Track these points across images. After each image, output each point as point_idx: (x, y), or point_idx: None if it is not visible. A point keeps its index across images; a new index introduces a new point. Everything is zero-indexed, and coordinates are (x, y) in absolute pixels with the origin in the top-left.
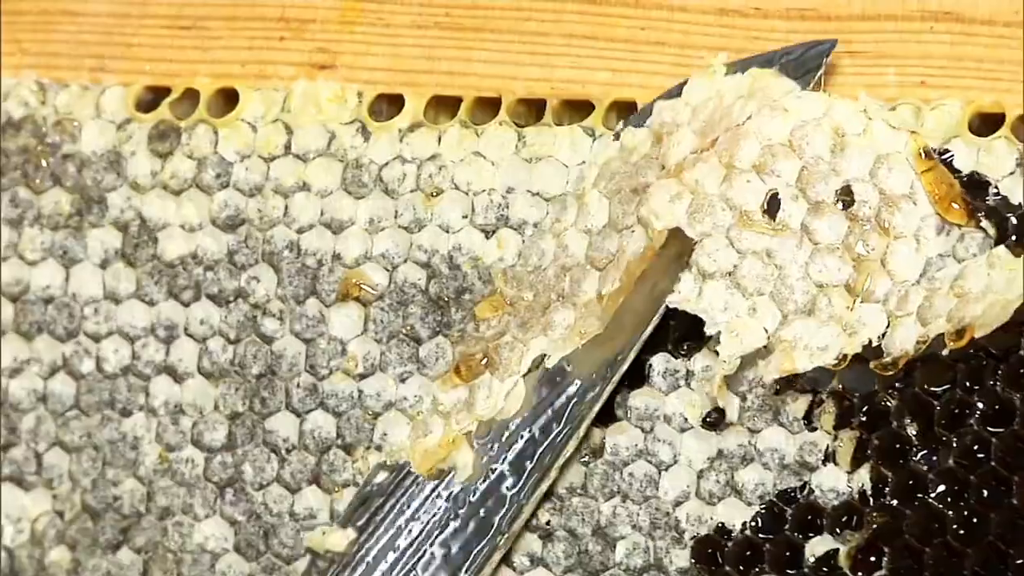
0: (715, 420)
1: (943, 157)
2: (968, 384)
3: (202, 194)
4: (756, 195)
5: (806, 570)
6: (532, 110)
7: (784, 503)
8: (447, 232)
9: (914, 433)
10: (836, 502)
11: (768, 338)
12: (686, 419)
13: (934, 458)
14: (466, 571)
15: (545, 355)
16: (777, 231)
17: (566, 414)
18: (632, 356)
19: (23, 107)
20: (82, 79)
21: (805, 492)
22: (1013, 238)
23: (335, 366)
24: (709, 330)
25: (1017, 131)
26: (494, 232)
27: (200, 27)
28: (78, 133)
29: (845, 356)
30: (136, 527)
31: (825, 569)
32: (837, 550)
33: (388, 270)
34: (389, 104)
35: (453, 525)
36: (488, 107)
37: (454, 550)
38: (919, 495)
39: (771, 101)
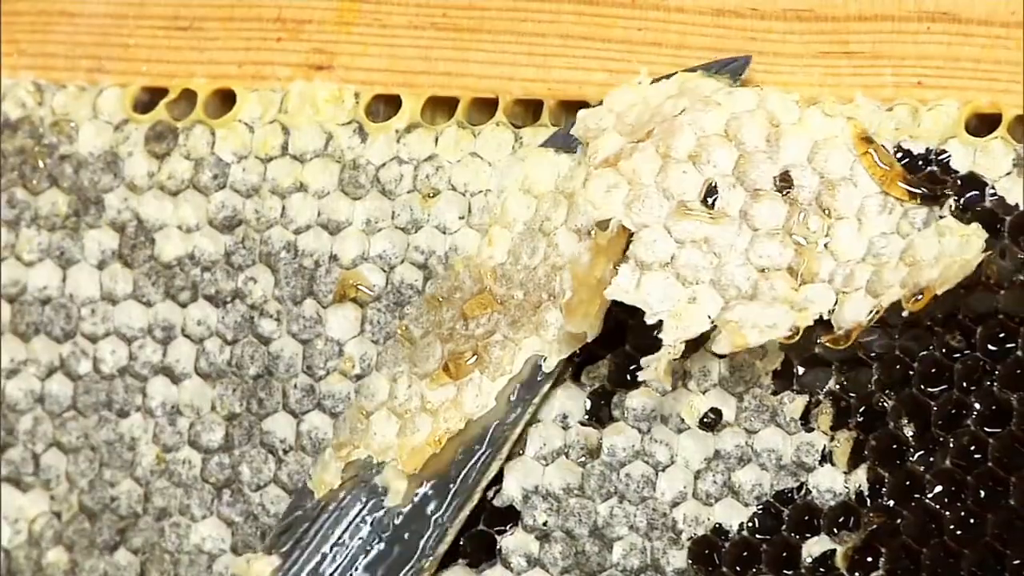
0: (712, 421)
1: (940, 157)
2: (965, 385)
3: (199, 195)
4: (693, 185)
5: (803, 571)
6: (529, 111)
7: (781, 504)
8: (444, 233)
9: (911, 434)
10: (833, 503)
11: (712, 323)
12: (683, 420)
13: (931, 459)
14: None
15: (541, 356)
16: (715, 219)
17: (488, 436)
18: (555, 375)
19: (20, 108)
20: (79, 80)
21: (802, 493)
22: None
23: (332, 367)
24: (649, 319)
25: (1014, 132)
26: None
27: (197, 28)
28: (75, 134)
29: (798, 329)
30: (133, 528)
31: (822, 570)
32: (834, 551)
33: (385, 271)
34: (386, 105)
35: (378, 549)
36: (485, 108)
37: (379, 574)
38: (916, 496)
39: (703, 97)
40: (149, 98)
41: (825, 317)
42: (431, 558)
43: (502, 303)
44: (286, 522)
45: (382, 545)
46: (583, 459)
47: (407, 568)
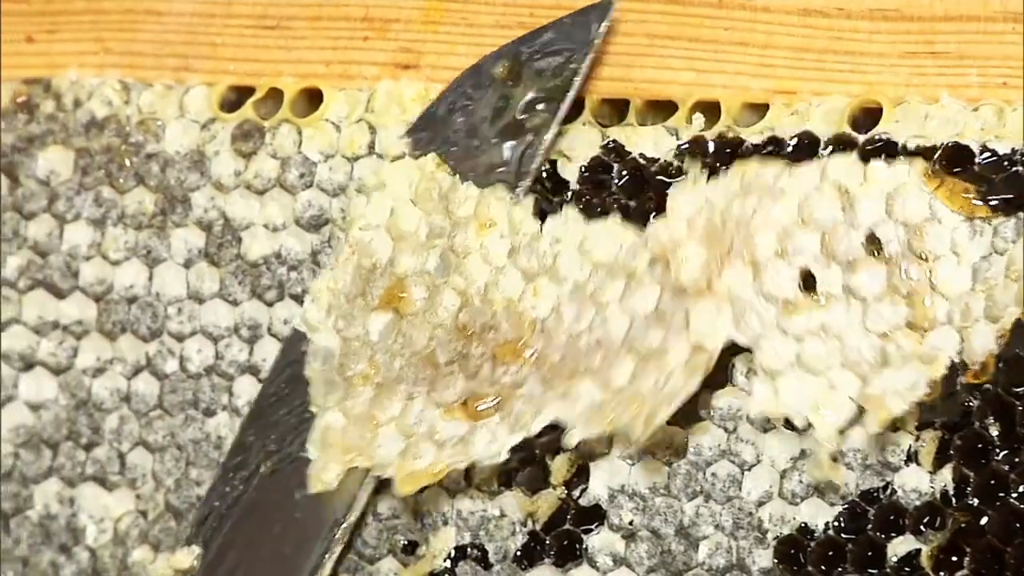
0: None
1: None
2: None
3: (286, 194)
4: (790, 280)
5: (888, 570)
6: (616, 110)
7: (867, 503)
8: (488, 265)
9: (996, 433)
10: (918, 502)
11: (857, 404)
12: (769, 419)
13: (1016, 458)
14: None
15: (566, 427)
16: (824, 304)
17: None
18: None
19: (107, 107)
20: (166, 79)
21: (888, 492)
22: None
23: (359, 371)
24: (798, 423)
25: None
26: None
27: (284, 27)
28: (162, 133)
29: (935, 382)
30: None
31: (907, 569)
32: (919, 550)
33: (429, 288)
34: None
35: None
36: (572, 107)
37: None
38: (1001, 495)
39: (767, 189)
40: (236, 97)
41: (957, 360)
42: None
43: (536, 359)
44: (205, 509)
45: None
46: (669, 458)
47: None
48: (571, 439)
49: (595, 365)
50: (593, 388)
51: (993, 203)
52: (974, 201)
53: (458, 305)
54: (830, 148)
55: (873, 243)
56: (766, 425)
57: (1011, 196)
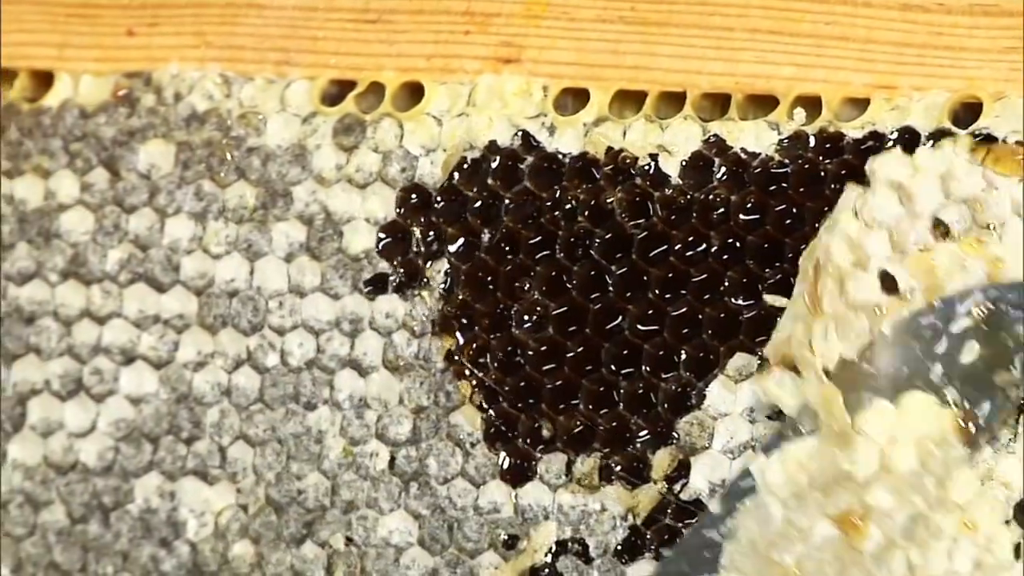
0: None
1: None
2: None
3: (387, 188)
4: (871, 286)
5: None
6: (717, 105)
7: None
8: None
9: None
10: None
11: None
12: None
13: None
14: None
15: None
16: (909, 301)
17: None
18: None
19: (208, 100)
20: (267, 72)
21: None
22: None
23: None
24: None
25: None
26: None
27: (386, 21)
28: (263, 126)
29: None
30: (320, 521)
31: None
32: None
33: (887, 540)
34: (574, 98)
35: None
36: (673, 101)
37: None
38: None
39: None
40: (337, 91)
41: None
42: None
43: None
44: None
45: None
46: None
47: None
48: None
49: None
50: None
51: None
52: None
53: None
54: (930, 142)
55: (940, 227)
56: None
57: None
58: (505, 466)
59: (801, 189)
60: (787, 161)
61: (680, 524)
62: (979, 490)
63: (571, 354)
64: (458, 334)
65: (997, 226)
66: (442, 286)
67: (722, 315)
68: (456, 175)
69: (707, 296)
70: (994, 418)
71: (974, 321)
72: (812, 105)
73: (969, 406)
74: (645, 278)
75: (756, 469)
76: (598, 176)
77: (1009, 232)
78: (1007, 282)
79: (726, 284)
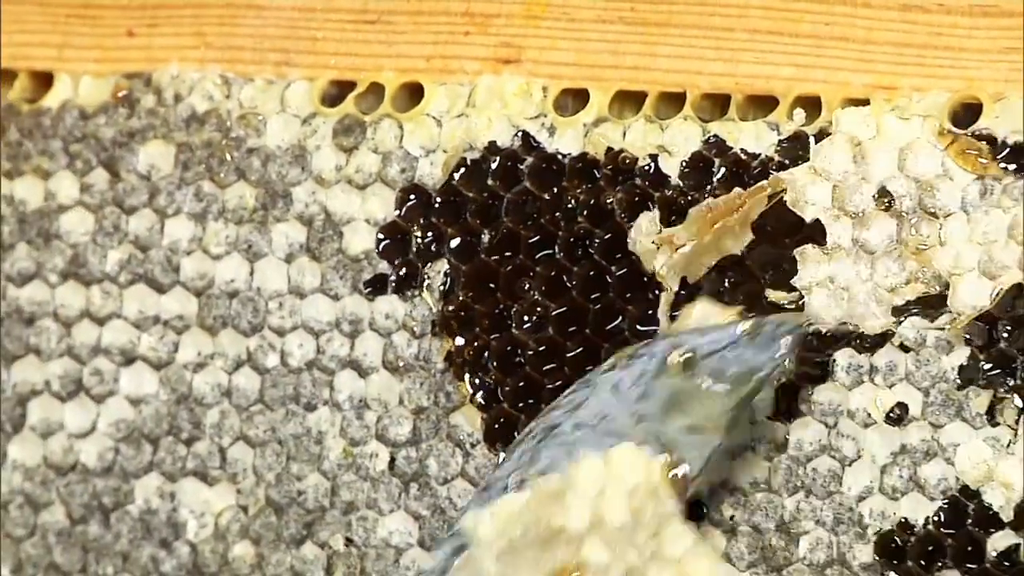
0: (898, 416)
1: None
2: None
3: (387, 188)
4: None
5: (988, 565)
6: (717, 105)
7: (966, 498)
8: None
9: None
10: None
11: None
12: (869, 415)
13: None
14: None
15: None
16: (831, 255)
17: None
18: None
19: (207, 101)
20: (267, 73)
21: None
22: None
23: None
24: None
25: None
26: None
27: (385, 21)
28: (263, 127)
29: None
30: (320, 522)
31: (1007, 564)
32: (1019, 545)
33: None
34: (574, 99)
35: None
36: (673, 102)
37: None
38: None
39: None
40: (337, 91)
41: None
42: None
43: None
44: None
45: None
46: (770, 453)
47: None
48: None
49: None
50: None
51: (1005, 166)
52: (982, 160)
53: None
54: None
55: (884, 196)
56: (867, 420)
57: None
58: None
59: None
60: (787, 161)
61: None
62: (692, 543)
63: (571, 354)
64: (458, 334)
65: (941, 216)
66: (442, 287)
67: None
68: (456, 176)
69: None
70: (701, 465)
71: (670, 369)
72: (812, 105)
73: (674, 456)
74: (645, 278)
75: (468, 523)
76: (598, 176)
77: (951, 225)
78: (699, 329)
79: (726, 284)
